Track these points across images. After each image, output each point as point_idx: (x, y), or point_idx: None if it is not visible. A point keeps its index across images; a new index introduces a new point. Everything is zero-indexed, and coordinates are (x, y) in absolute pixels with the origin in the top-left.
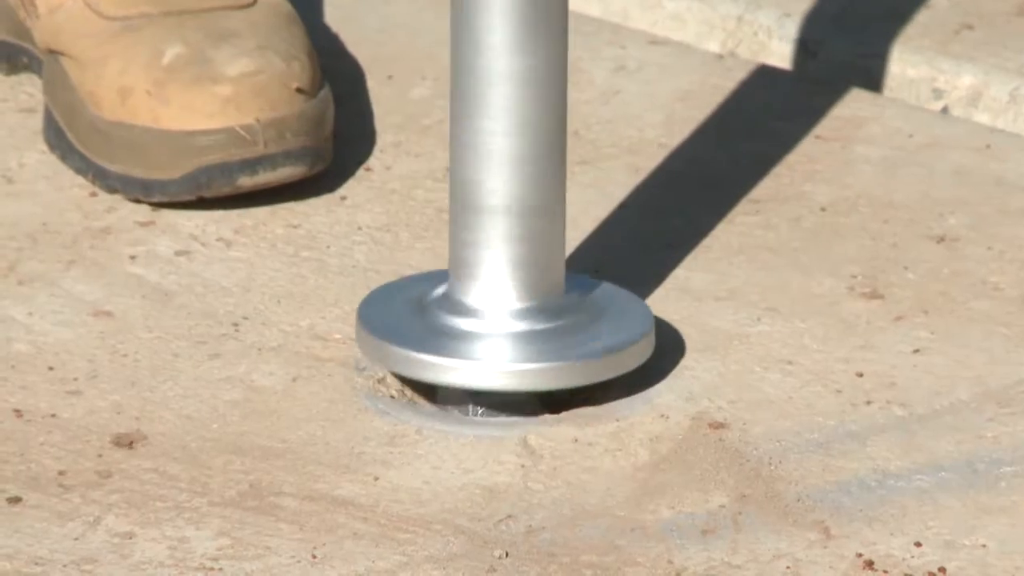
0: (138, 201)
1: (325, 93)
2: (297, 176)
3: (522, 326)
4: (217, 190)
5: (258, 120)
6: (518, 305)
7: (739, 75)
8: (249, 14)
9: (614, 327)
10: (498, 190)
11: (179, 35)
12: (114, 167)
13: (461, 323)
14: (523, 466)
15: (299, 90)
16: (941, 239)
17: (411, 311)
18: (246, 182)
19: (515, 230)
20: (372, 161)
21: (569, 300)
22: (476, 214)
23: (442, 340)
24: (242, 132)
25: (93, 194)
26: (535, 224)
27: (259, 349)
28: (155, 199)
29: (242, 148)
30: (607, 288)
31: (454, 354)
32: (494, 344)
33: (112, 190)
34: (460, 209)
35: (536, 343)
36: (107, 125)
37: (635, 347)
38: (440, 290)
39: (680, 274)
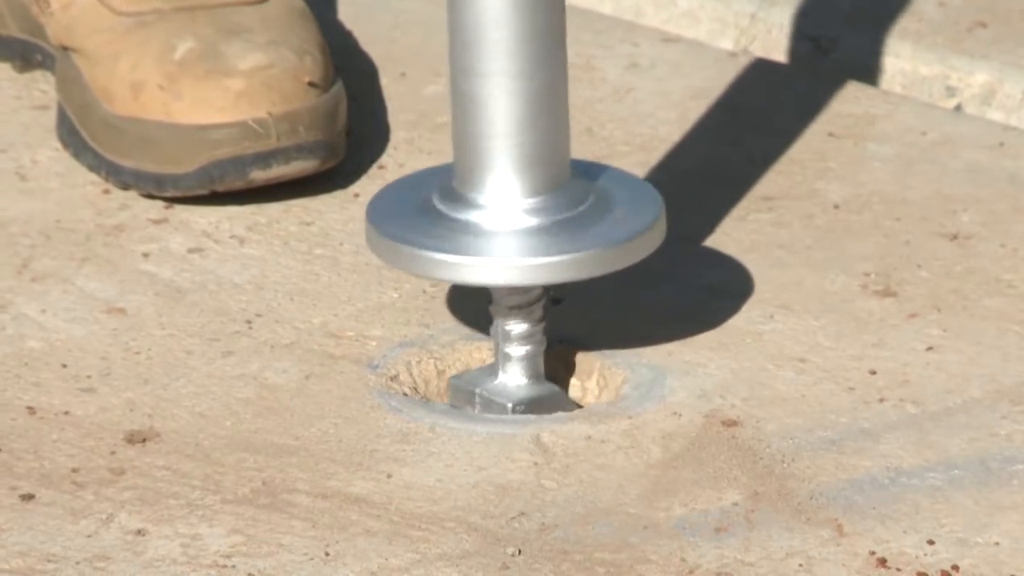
0: (151, 196)
1: (338, 88)
2: (310, 170)
3: (532, 220)
4: (230, 184)
5: (270, 114)
6: (526, 200)
7: (752, 73)
8: (261, 9)
9: (626, 213)
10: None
11: (191, 30)
12: (127, 162)
13: (471, 218)
14: (536, 463)
15: (311, 84)
16: (954, 237)
17: (419, 209)
18: (259, 176)
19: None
20: (385, 159)
21: (576, 188)
22: (477, 106)
23: (453, 237)
24: (254, 126)
25: (106, 191)
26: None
27: (272, 346)
28: (168, 194)
29: (254, 142)
30: (613, 173)
31: (468, 251)
32: (506, 240)
33: (125, 186)
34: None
35: (548, 236)
36: (120, 120)
37: (651, 231)
38: (446, 187)
39: (693, 271)
